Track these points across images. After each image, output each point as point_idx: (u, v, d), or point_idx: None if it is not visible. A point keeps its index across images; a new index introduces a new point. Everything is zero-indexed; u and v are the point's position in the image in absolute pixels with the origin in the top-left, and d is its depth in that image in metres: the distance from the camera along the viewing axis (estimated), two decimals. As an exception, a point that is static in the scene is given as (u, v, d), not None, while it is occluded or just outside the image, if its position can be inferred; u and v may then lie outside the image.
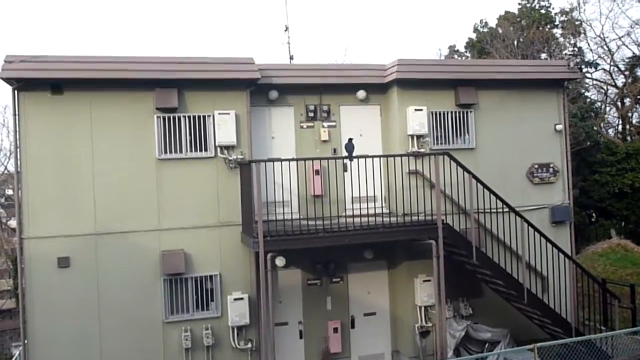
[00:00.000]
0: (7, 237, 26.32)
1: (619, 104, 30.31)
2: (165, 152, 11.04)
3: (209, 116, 11.22)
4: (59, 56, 10.73)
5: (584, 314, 13.09)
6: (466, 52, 32.52)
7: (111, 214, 10.75)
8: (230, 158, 11.21)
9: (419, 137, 12.06)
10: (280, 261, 10.29)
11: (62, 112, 10.62)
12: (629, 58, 29.30)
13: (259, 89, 11.57)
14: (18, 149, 10.56)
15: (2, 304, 29.23)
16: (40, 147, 10.51)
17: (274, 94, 11.87)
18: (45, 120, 10.54)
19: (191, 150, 11.18)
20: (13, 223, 24.86)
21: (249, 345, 11.18)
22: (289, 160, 10.66)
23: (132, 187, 10.86)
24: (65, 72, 10.50)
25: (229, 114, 11.16)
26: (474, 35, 32.22)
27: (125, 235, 10.81)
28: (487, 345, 11.94)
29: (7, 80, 10.27)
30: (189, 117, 11.18)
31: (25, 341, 10.53)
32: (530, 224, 11.41)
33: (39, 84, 10.44)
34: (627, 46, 30.13)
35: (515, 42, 28.80)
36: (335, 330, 11.95)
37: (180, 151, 11.12)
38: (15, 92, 10.47)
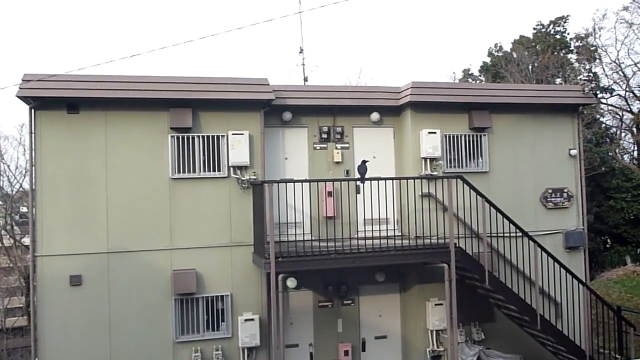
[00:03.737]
0: (21, 255, 26.47)
1: (634, 129, 30.14)
2: (179, 171, 11.11)
3: (222, 136, 11.29)
4: (75, 75, 10.87)
5: (599, 342, 12.88)
6: (480, 75, 32.60)
7: (124, 232, 10.80)
8: (243, 178, 11.25)
9: (432, 159, 12.04)
10: (291, 282, 10.24)
11: (78, 131, 10.74)
12: (646, 84, 29.22)
13: (273, 110, 11.65)
14: (33, 167, 10.68)
15: (14, 321, 29.28)
16: (55, 166, 10.62)
17: (287, 115, 11.94)
18: (60, 138, 10.66)
19: (204, 170, 11.24)
20: (27, 240, 25.04)
21: (259, 367, 11.11)
22: (302, 181, 10.67)
23: (145, 206, 10.92)
24: (81, 91, 10.64)
25: (242, 134, 11.23)
26: (488, 59, 32.33)
27: (138, 254, 10.84)
28: (499, 371, 11.78)
29: (24, 99, 10.43)
30: (203, 137, 11.26)
31: (36, 359, 10.53)
32: (543, 249, 11.29)
33: (55, 102, 10.59)
34: (642, 72, 30.01)
35: (530, 67, 28.83)
36: (346, 353, 11.83)
37: (194, 171, 11.18)
38: (32, 110, 10.62)
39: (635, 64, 29.49)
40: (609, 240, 25.18)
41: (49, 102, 10.55)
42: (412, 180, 11.01)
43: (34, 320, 10.62)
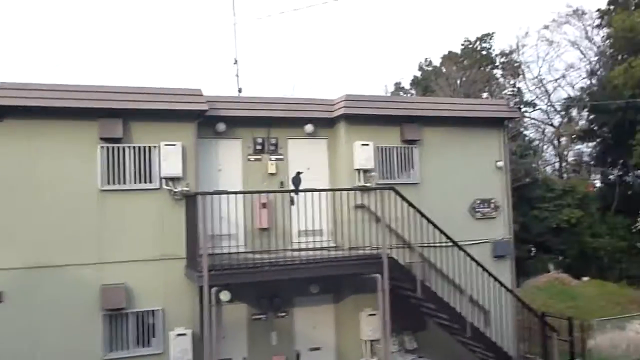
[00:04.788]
0: None
1: (555, 142, 31.65)
2: (109, 182, 10.77)
3: (154, 147, 11.05)
4: (-1, 83, 10.44)
5: (524, 347, 13.37)
6: (411, 89, 33.46)
7: (49, 246, 10.36)
8: (175, 190, 11.04)
9: (365, 171, 12.22)
10: (225, 295, 10.13)
11: (1, 140, 10.26)
12: (564, 99, 30.81)
13: (206, 121, 11.51)
14: (-50, 178, 10.10)
15: None
16: (-24, 176, 10.10)
17: (221, 126, 11.83)
18: (-19, 148, 10.15)
19: (135, 182, 10.95)
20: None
21: (192, 382, 10.86)
22: (236, 192, 10.60)
23: (72, 219, 10.52)
24: (4, 99, 10.18)
25: (175, 145, 11.03)
26: (419, 73, 33.22)
27: (64, 269, 10.40)
28: (431, 379, 12.01)
29: (-58, 106, 9.88)
30: (134, 147, 10.98)
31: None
32: (472, 258, 11.65)
33: (-24, 111, 10.09)
34: (562, 88, 31.73)
35: (458, 81, 29.83)
36: (280, 365, 11.77)
37: (124, 182, 10.88)
38: (-50, 119, 10.07)
39: (556, 80, 31.11)
40: (533, 249, 26.23)
41: (-32, 110, 10.03)
42: (346, 192, 11.12)
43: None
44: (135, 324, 10.80)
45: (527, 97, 31.59)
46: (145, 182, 10.99)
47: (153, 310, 10.88)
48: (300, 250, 10.52)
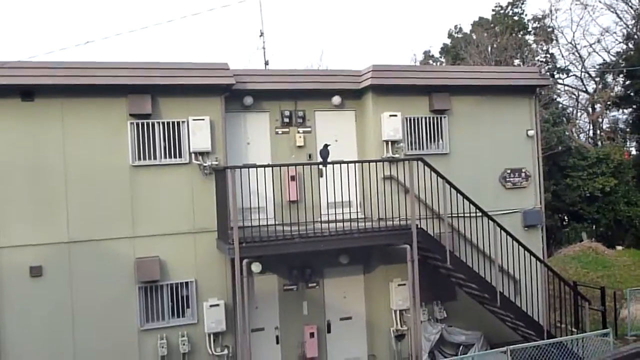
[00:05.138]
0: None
1: (589, 109, 30.93)
2: (139, 158, 10.96)
3: (183, 122, 11.17)
4: (30, 62, 10.62)
5: (556, 317, 13.31)
6: (441, 57, 32.92)
7: (84, 221, 10.64)
8: (205, 164, 11.18)
9: (393, 142, 12.16)
10: (256, 267, 10.30)
11: (33, 119, 10.48)
12: (599, 65, 29.96)
13: (233, 95, 11.57)
14: (-12, 157, 10.39)
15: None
16: (12, 155, 10.35)
17: (248, 100, 11.87)
18: (15, 127, 10.39)
19: (165, 157, 11.12)
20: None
21: (226, 351, 11.14)
22: (265, 166, 10.67)
23: (105, 194, 10.77)
24: (36, 78, 10.35)
25: (203, 119, 11.13)
26: (448, 41, 32.63)
27: (99, 243, 10.70)
28: (461, 348, 12.10)
29: (-24, 87, 10.11)
30: (163, 123, 11.12)
31: (-2, 352, 10.37)
32: (502, 228, 11.58)
33: (8, 90, 10.29)
34: (597, 53, 30.85)
35: (489, 48, 29.23)
36: (312, 335, 11.95)
37: (155, 158, 11.05)
38: (-15, 99, 10.31)
39: (590, 45, 30.21)
40: (566, 218, 25.90)
41: (2, 89, 10.23)
42: (374, 163, 11.10)
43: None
44: (170, 295, 11.08)
45: (561, 63, 30.84)
46: (175, 157, 11.15)
47: (186, 282, 11.14)
48: (329, 222, 10.57)
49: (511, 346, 10.67)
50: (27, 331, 10.29)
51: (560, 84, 30.42)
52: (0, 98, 10.31)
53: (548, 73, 24.62)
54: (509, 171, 13.26)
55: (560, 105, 29.93)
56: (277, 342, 11.96)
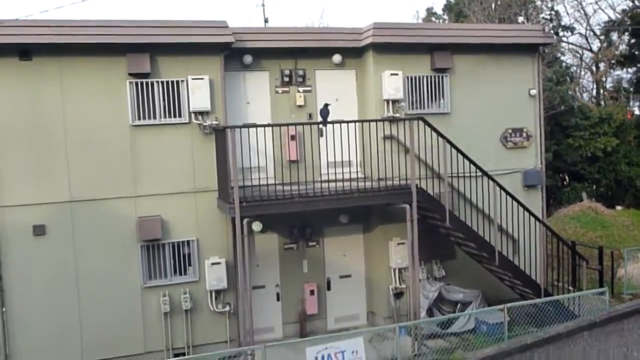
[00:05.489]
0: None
1: (593, 68, 30.59)
2: (139, 118, 10.94)
3: (182, 81, 11.10)
4: (26, 20, 10.50)
5: (553, 275, 13.48)
6: (444, 14, 32.40)
7: (86, 181, 10.69)
8: (204, 124, 11.15)
9: (394, 101, 12.08)
10: (256, 226, 10.40)
11: (32, 78, 10.42)
12: (604, 22, 29.48)
13: (233, 54, 11.46)
14: (-12, 116, 10.37)
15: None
16: (11, 114, 10.34)
17: (248, 59, 11.75)
18: (14, 86, 10.34)
19: (165, 117, 11.09)
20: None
21: (227, 308, 11.34)
22: (265, 125, 10.65)
23: (106, 154, 10.79)
24: (34, 37, 10.24)
25: (202, 79, 11.05)
26: (451, -2, 32.05)
27: (101, 202, 10.78)
28: (459, 305, 12.29)
29: (-26, 46, 10.02)
30: (162, 82, 11.05)
31: (4, 309, 10.54)
32: (502, 188, 11.63)
33: (6, 49, 10.20)
34: (603, 10, 30.33)
35: (493, 5, 28.73)
36: (312, 292, 12.14)
37: (154, 117, 11.02)
38: (-18, 58, 10.23)
39: (596, 2, 29.69)
40: (567, 178, 25.90)
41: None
42: (375, 123, 11.07)
43: (-1, 271, 10.57)
44: (172, 253, 11.22)
45: (565, 20, 30.34)
46: (174, 116, 11.12)
47: (188, 241, 11.26)
48: (329, 181, 10.61)
49: (508, 304, 10.85)
50: (32, 288, 10.47)
51: (565, 42, 30.01)
52: (-1, 57, 10.23)
53: (552, 31, 24.23)
54: (510, 131, 13.22)
55: (564, 64, 29.56)
56: (278, 299, 12.16)
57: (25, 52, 10.34)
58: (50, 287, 10.57)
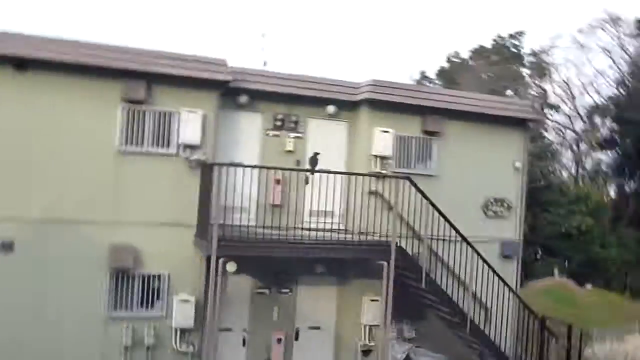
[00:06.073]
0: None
1: (575, 148, 31.32)
2: (127, 143, 10.84)
3: (175, 113, 11.07)
4: (26, 34, 10.46)
5: (522, 349, 13.38)
6: (437, 79, 33.15)
7: (63, 201, 10.47)
8: (192, 158, 11.07)
9: (382, 158, 12.19)
10: (231, 267, 10.19)
11: (24, 91, 10.32)
12: (591, 106, 30.41)
13: (228, 92, 11.52)
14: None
15: None
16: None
17: (243, 99, 11.81)
18: (5, 98, 10.22)
19: (153, 145, 11.01)
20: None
21: (191, 348, 11.01)
22: (252, 166, 10.63)
23: (88, 176, 10.62)
24: (29, 50, 10.22)
25: (195, 112, 11.04)
26: (446, 65, 32.90)
27: (75, 224, 10.51)
28: (426, 370, 12.09)
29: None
30: (155, 111, 11.02)
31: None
32: (480, 256, 11.64)
33: (2, 60, 10.12)
34: (588, 94, 31.27)
35: (484, 76, 29.49)
36: (279, 340, 11.88)
37: (142, 145, 10.94)
38: (-24, 66, 10.12)
39: (583, 86, 30.64)
40: (540, 251, 26.08)
41: (-5, 58, 10.07)
42: (362, 177, 11.11)
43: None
44: (141, 285, 10.94)
45: (552, 99, 31.20)
46: (163, 146, 11.05)
47: (159, 274, 11.00)
48: (310, 230, 10.56)
49: (476, 374, 10.71)
50: (-8, 306, 10.07)
51: (549, 119, 30.78)
52: (-7, 66, 10.14)
53: (540, 107, 24.90)
54: (492, 200, 13.36)
55: (547, 141, 30.26)
56: (244, 345, 11.86)
57: (21, 64, 10.27)
58: (14, 305, 10.17)
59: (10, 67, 10.24)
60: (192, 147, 11.10)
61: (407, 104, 12.47)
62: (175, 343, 10.93)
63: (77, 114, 10.58)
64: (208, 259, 9.93)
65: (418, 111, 12.64)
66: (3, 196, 10.19)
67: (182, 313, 10.82)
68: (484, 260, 11.72)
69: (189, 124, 11.00)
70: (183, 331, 10.95)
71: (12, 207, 10.22)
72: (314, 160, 10.84)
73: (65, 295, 10.42)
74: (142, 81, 10.81)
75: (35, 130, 10.38)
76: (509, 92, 28.95)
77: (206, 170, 10.52)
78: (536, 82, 30.92)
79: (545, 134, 30.34)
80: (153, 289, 11.01)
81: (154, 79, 10.91)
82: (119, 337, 10.66)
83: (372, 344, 12.05)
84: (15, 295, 10.20)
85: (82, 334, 10.50)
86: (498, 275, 11.94)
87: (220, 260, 9.62)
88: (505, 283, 12.06)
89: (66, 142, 10.51)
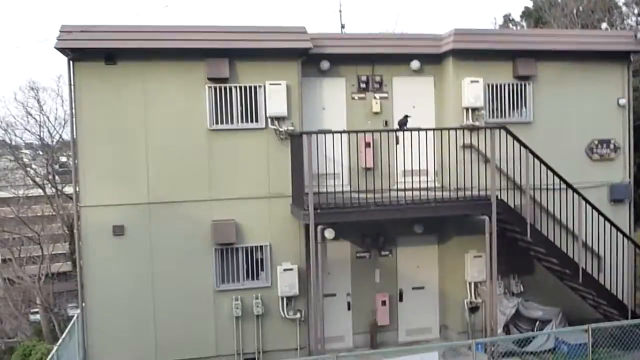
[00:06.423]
0: (63, 203, 27.07)
1: (683, 76, 28.83)
2: (217, 122, 11.06)
3: (260, 87, 11.15)
4: (112, 26, 10.87)
5: (641, 296, 12.69)
6: (522, 21, 31.40)
7: (164, 183, 10.89)
8: (280, 129, 11.15)
9: (474, 109, 11.73)
10: (329, 233, 10.25)
11: (116, 82, 10.73)
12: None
13: (310, 59, 11.42)
14: (73, 119, 10.74)
15: (59, 267, 30.38)
16: (95, 117, 10.68)
17: (325, 65, 11.69)
18: (99, 90, 10.67)
19: (242, 121, 11.17)
20: (68, 189, 25.57)
21: (298, 315, 11.27)
22: (341, 132, 10.54)
23: (184, 157, 10.96)
24: (119, 42, 10.61)
25: (280, 84, 11.07)
26: (530, 4, 31.03)
27: (178, 205, 10.95)
28: (537, 323, 11.70)
29: (62, 50, 10.40)
30: (240, 87, 11.14)
31: (83, 304, 10.88)
32: (588, 202, 11.03)
33: (93, 54, 10.56)
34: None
35: (575, 11, 27.59)
36: (384, 303, 11.91)
37: (232, 122, 11.12)
38: (70, 62, 10.61)
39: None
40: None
41: (86, 53, 10.52)
42: (453, 131, 10.74)
43: (79, 268, 10.91)
44: (245, 258, 11.26)
45: (654, 27, 28.78)
46: (251, 121, 11.18)
47: (261, 246, 11.27)
48: (404, 190, 10.35)
49: (593, 325, 10.23)
50: (110, 286, 10.75)
51: (653, 49, 28.46)
52: (86, 61, 10.60)
53: (640, 37, 23.03)
54: (596, 142, 12.57)
55: (651, 73, 28.05)
56: (349, 309, 11.99)
57: (110, 56, 10.66)
58: (127, 285, 10.80)
59: (101, 60, 10.63)
60: (280, 119, 11.16)
61: (495, 50, 11.88)
62: (283, 311, 11.21)
63: (168, 99, 10.89)
64: (306, 227, 10.02)
65: (507, 56, 12.00)
66: (109, 184, 10.73)
67: (287, 282, 11.06)
68: (593, 206, 11.10)
69: (275, 96, 11.05)
70: (289, 299, 11.22)
71: (119, 193, 10.76)
72: (404, 121, 10.60)
73: (175, 272, 10.92)
74: (224, 59, 10.93)
75: (130, 118, 10.80)
76: (604, 25, 26.97)
77: (296, 140, 10.55)
78: (633, 10, 28.55)
79: (649, 65, 28.13)
80: (256, 261, 11.31)
81: (235, 55, 11.00)
82: (230, 309, 11.07)
83: (479, 300, 11.81)
84: (129, 274, 10.82)
85: (195, 308, 11.02)
86: (609, 221, 11.28)
87: (319, 228, 9.67)
88: (617, 228, 11.39)
89: (160, 127, 10.88)
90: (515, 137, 10.55)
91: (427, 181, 11.23)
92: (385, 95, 12.08)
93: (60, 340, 10.94)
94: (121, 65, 10.75)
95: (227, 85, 11.07)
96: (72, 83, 10.67)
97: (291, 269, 11.12)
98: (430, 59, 12.06)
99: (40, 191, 28.19)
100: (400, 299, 12.22)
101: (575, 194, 10.97)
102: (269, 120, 11.17)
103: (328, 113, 11.92)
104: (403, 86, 12.14)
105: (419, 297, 12.33)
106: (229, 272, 11.22)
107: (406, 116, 10.70)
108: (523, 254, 11.46)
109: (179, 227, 10.93)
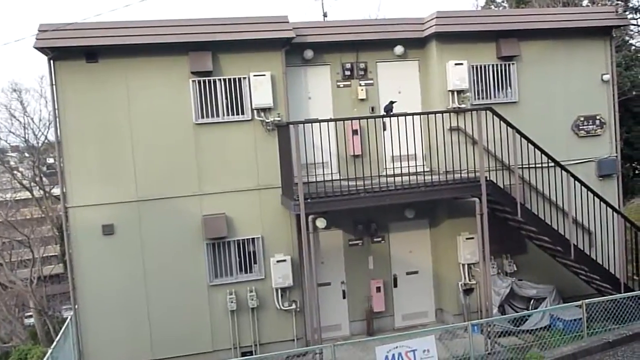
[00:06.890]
0: (51, 205, 26.87)
1: (665, 50, 28.98)
2: (203, 116, 10.97)
3: (244, 78, 11.07)
4: (91, 23, 10.70)
5: (633, 269, 12.78)
6: (504, 1, 31.40)
7: (152, 180, 10.81)
8: (267, 120, 11.09)
9: (459, 92, 11.71)
10: (321, 223, 10.23)
11: (98, 80, 10.61)
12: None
13: (293, 49, 11.35)
14: (57, 119, 10.61)
15: (51, 269, 30.19)
16: (79, 116, 10.56)
17: (309, 53, 11.63)
18: (82, 88, 10.55)
19: (228, 114, 11.10)
20: (56, 191, 25.35)
21: (293, 306, 11.26)
22: (327, 120, 10.47)
23: (171, 153, 10.88)
24: (99, 39, 10.43)
25: (264, 75, 10.99)
26: (511, -16, 31.01)
27: (167, 201, 10.88)
28: (532, 301, 11.81)
29: (42, 50, 10.27)
30: (225, 80, 11.05)
31: (76, 306, 10.81)
32: (576, 178, 11.08)
33: (73, 52, 10.42)
34: (674, -12, 28.66)
35: (556, -11, 27.59)
36: (378, 289, 11.93)
37: (217, 115, 11.04)
38: (51, 61, 10.48)
39: (668, -20, 28.10)
40: (638, 167, 24.66)
41: (67, 52, 10.38)
42: (440, 115, 10.74)
43: (70, 270, 10.81)
44: (237, 251, 11.23)
45: (634, 1, 28.85)
46: (237, 114, 11.11)
47: (253, 238, 11.24)
48: (394, 175, 10.34)
49: (587, 300, 10.33)
50: (102, 286, 10.67)
51: (634, 24, 28.55)
52: (67, 60, 10.47)
53: (623, 13, 23.08)
54: (582, 118, 12.61)
55: (633, 48, 28.16)
56: (344, 297, 12.00)
57: (91, 54, 10.52)
58: (119, 285, 10.74)
59: (82, 59, 10.50)
60: (266, 110, 11.10)
61: (478, 32, 11.86)
62: (278, 302, 11.21)
63: (151, 94, 10.78)
64: (297, 218, 10.00)
65: (491, 37, 11.99)
66: (97, 184, 10.63)
67: (280, 273, 11.05)
68: (581, 182, 11.15)
69: (259, 87, 10.98)
70: (284, 290, 11.21)
71: (107, 192, 10.66)
72: (389, 107, 10.57)
73: (167, 269, 10.87)
74: (207, 52, 10.84)
75: (114, 116, 10.68)
76: (585, 2, 27.02)
77: (283, 130, 10.49)
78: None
79: (631, 40, 28.27)
80: (249, 253, 11.28)
81: (218, 48, 10.90)
82: (224, 303, 11.04)
83: (473, 282, 11.86)
84: (121, 273, 10.75)
85: (189, 304, 11.00)
86: (598, 196, 11.34)
87: (310, 218, 9.65)
88: (607, 203, 11.45)
89: (145, 124, 10.78)
90: (501, 118, 10.56)
91: (416, 166, 11.24)
92: (371, 81, 12.04)
93: (55, 343, 10.89)
94: (103, 63, 10.62)
95: (211, 78, 10.98)
96: (54, 83, 10.53)
97: (284, 260, 11.10)
98: (413, 43, 12.02)
99: (28, 194, 27.96)
100: (395, 285, 12.25)
101: (563, 171, 11.00)
102: (255, 111, 11.10)
103: (314, 102, 11.87)
104: (388, 72, 12.10)
105: (414, 281, 12.37)
106: (222, 266, 11.18)
107: (392, 102, 10.69)
108: (515, 233, 11.50)
109: (169, 223, 10.87)
